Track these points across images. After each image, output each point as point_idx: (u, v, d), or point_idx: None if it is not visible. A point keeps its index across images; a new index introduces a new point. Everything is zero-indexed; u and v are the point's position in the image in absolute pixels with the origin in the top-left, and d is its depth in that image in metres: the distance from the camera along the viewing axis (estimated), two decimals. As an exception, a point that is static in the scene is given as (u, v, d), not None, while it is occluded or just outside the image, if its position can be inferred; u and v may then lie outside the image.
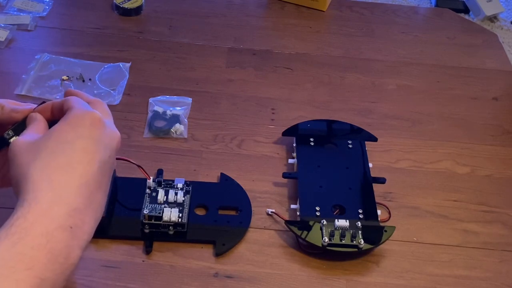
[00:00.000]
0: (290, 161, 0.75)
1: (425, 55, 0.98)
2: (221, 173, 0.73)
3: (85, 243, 0.42)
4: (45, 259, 0.38)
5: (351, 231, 0.64)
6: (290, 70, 0.92)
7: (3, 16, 0.96)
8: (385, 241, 0.65)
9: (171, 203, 0.65)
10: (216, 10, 1.04)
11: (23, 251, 0.38)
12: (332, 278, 0.63)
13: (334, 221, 0.65)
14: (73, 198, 0.42)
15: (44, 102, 0.51)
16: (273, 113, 0.84)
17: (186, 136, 0.78)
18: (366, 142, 0.77)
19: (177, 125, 0.78)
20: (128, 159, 0.65)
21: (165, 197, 0.66)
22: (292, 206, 0.69)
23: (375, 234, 0.65)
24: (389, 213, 0.71)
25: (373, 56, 0.97)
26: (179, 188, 0.67)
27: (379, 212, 0.68)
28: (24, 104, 0.51)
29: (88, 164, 0.43)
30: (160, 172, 0.72)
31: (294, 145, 0.75)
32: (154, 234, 0.64)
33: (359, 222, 0.65)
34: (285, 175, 0.71)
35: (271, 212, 0.69)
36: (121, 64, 0.89)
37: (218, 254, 0.64)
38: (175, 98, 0.84)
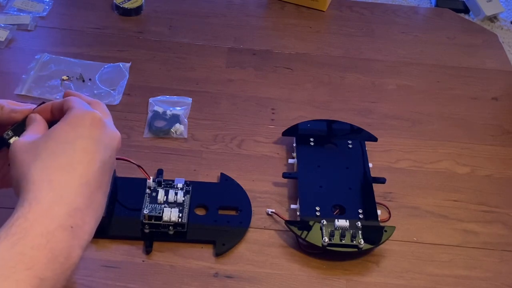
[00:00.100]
0: (290, 161, 0.75)
1: (425, 55, 0.98)
2: (221, 173, 0.73)
3: (85, 243, 0.42)
4: (45, 259, 0.38)
5: (351, 231, 0.64)
6: (290, 70, 0.92)
7: (3, 16, 0.96)
8: (385, 241, 0.65)
9: (171, 203, 0.65)
10: (216, 10, 1.04)
11: (23, 251, 0.38)
12: (332, 278, 0.63)
13: (334, 221, 0.65)
14: (73, 198, 0.42)
15: (43, 102, 0.51)
16: (273, 113, 0.84)
17: (186, 136, 0.78)
18: (366, 142, 0.77)
19: (177, 125, 0.78)
20: (128, 159, 0.65)
21: (165, 197, 0.66)
22: (292, 206, 0.69)
23: (375, 234, 0.65)
24: (389, 213, 0.71)
25: (373, 56, 0.97)
26: (179, 188, 0.67)
27: (379, 212, 0.68)
28: (23, 105, 0.51)
29: (89, 164, 0.43)
30: (160, 172, 0.72)
31: (294, 145, 0.75)
32: (154, 234, 0.64)
33: (359, 222, 0.65)
34: (285, 175, 0.71)
35: (271, 212, 0.69)
36: (121, 64, 0.89)
37: (218, 254, 0.64)
38: (175, 98, 0.84)
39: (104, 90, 0.84)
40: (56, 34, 0.96)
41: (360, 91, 0.89)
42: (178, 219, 0.64)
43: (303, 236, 0.64)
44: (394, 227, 0.66)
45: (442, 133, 0.83)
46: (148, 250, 0.63)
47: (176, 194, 0.66)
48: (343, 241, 0.63)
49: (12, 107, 0.50)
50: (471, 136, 0.83)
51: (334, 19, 1.05)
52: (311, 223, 0.65)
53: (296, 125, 0.79)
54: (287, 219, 0.68)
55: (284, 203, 0.71)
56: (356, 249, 0.64)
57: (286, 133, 0.78)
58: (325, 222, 0.65)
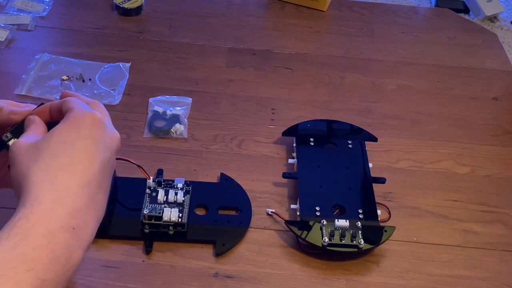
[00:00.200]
0: (290, 161, 0.75)
1: (425, 55, 0.98)
2: (221, 173, 0.73)
3: (86, 244, 0.42)
4: (47, 260, 0.38)
5: (351, 231, 0.64)
6: (290, 70, 0.92)
7: (3, 16, 0.96)
8: (385, 241, 0.65)
9: (171, 203, 0.65)
10: (216, 10, 1.04)
11: (25, 252, 0.38)
12: (332, 278, 0.63)
13: (334, 221, 0.65)
14: (75, 199, 0.42)
15: (42, 103, 0.50)
16: (273, 113, 0.84)
17: (186, 136, 0.78)
18: (366, 142, 0.77)
19: (177, 125, 0.78)
20: (128, 159, 0.65)
21: (165, 197, 0.66)
22: (292, 206, 0.69)
23: (375, 234, 0.65)
24: (389, 213, 0.71)
25: (373, 56, 0.97)
26: (179, 188, 0.67)
27: (379, 212, 0.68)
28: (23, 105, 0.51)
29: (89, 164, 0.43)
30: (160, 172, 0.72)
31: (294, 145, 0.75)
32: (154, 234, 0.64)
33: (359, 222, 0.65)
34: (285, 175, 0.71)
35: (271, 212, 0.69)
36: (121, 64, 0.89)
37: (218, 254, 0.64)
38: (175, 98, 0.84)
39: (104, 90, 0.84)
40: (56, 34, 0.96)
41: (360, 91, 0.90)
42: (178, 219, 0.64)
43: (303, 236, 0.64)
44: (394, 227, 0.66)
45: (442, 133, 0.83)
46: (148, 250, 0.63)
47: (176, 194, 0.66)
48: (343, 241, 0.63)
49: (12, 108, 0.50)
50: (471, 136, 0.83)
51: (334, 19, 1.06)
52: (311, 223, 0.65)
53: (296, 125, 0.79)
54: (287, 219, 0.68)
55: (284, 203, 0.71)
56: (356, 249, 0.64)
57: (286, 133, 0.78)
58: (325, 222, 0.65)
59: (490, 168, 0.78)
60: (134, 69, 0.89)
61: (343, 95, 0.88)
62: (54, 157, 0.43)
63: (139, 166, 0.66)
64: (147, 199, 0.66)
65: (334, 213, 0.67)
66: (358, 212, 0.67)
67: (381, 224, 0.67)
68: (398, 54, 0.98)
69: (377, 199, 0.69)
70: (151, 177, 0.68)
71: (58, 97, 0.82)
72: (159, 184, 0.68)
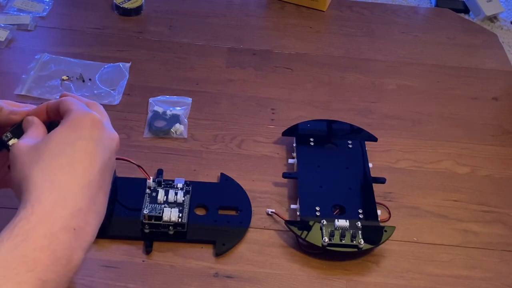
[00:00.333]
0: (290, 161, 0.75)
1: (425, 55, 0.98)
2: (221, 173, 0.73)
3: (87, 245, 0.42)
4: (48, 261, 0.38)
5: (351, 231, 0.64)
6: (290, 70, 0.92)
7: (3, 16, 0.96)
8: (385, 241, 0.65)
9: (171, 203, 0.65)
10: (216, 10, 1.04)
11: (26, 253, 0.38)
12: (332, 278, 0.63)
13: (334, 221, 0.65)
14: (75, 199, 0.41)
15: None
16: (273, 113, 0.84)
17: (186, 136, 0.78)
18: (366, 142, 0.77)
19: (177, 125, 0.78)
20: (128, 159, 0.65)
21: (165, 197, 0.66)
22: (292, 206, 0.69)
23: (375, 234, 0.65)
24: (389, 213, 0.71)
25: (373, 56, 0.97)
26: (179, 188, 0.67)
27: (379, 212, 0.68)
28: (22, 106, 0.51)
29: (90, 164, 0.43)
30: (160, 172, 0.72)
31: (294, 145, 0.75)
32: (154, 234, 0.64)
33: (359, 222, 0.65)
34: (285, 175, 0.71)
35: (271, 212, 0.69)
36: (121, 64, 0.89)
37: (218, 254, 0.64)
38: (175, 98, 0.84)
39: (104, 90, 0.84)
40: (56, 34, 0.96)
41: (360, 91, 0.90)
42: (178, 219, 0.64)
43: (303, 236, 0.64)
44: (394, 227, 0.66)
45: (442, 133, 0.83)
46: (148, 250, 0.63)
47: (176, 194, 0.66)
48: (343, 241, 0.63)
49: (11, 108, 0.50)
50: (471, 136, 0.83)
51: (334, 19, 1.06)
52: (311, 223, 0.65)
53: (296, 125, 0.79)
54: (287, 219, 0.68)
55: (284, 203, 0.71)
56: (356, 249, 0.64)
57: (286, 133, 0.78)
58: (325, 222, 0.65)
59: (490, 168, 0.78)
60: (134, 69, 0.89)
61: (343, 95, 0.88)
62: (54, 157, 0.43)
63: (139, 166, 0.66)
64: (147, 199, 0.66)
65: (334, 213, 0.67)
66: (358, 212, 0.67)
67: (381, 224, 0.67)
68: (398, 54, 0.98)
69: (377, 199, 0.69)
70: (151, 177, 0.68)
71: (58, 97, 0.82)
72: (159, 184, 0.68)
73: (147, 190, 0.67)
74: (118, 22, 0.99)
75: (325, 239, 0.63)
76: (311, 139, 0.76)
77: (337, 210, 0.68)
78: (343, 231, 0.64)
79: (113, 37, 0.95)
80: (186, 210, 0.65)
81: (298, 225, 0.65)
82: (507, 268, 0.66)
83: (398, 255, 0.66)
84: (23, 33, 0.94)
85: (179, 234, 0.65)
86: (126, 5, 0.99)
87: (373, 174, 0.73)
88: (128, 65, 0.89)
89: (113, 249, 0.64)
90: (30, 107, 0.50)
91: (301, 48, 0.97)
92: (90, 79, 0.86)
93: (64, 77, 0.85)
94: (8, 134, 0.48)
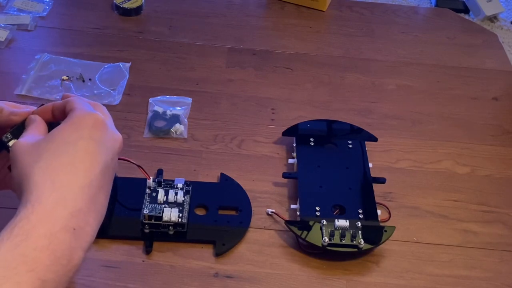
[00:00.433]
0: (290, 161, 0.75)
1: (425, 55, 0.98)
2: (221, 173, 0.73)
3: (87, 245, 0.42)
4: (48, 261, 0.38)
5: (351, 231, 0.64)
6: (290, 70, 0.92)
7: (3, 16, 0.96)
8: (385, 241, 0.65)
9: (171, 203, 0.65)
10: (216, 10, 1.04)
11: (26, 252, 0.38)
12: (332, 278, 0.63)
13: (334, 221, 0.65)
14: (76, 199, 0.41)
15: (42, 105, 0.50)
16: (273, 113, 0.84)
17: (186, 136, 0.78)
18: (366, 142, 0.77)
19: (177, 125, 0.78)
20: (128, 159, 0.64)
21: (165, 197, 0.66)
22: (292, 206, 0.69)
23: (375, 234, 0.65)
24: (389, 213, 0.71)
25: (373, 56, 0.97)
26: (179, 188, 0.67)
27: (379, 212, 0.68)
28: (23, 107, 0.51)
29: (91, 164, 0.43)
30: (160, 172, 0.72)
31: (294, 145, 0.75)
32: (154, 234, 0.64)
33: (359, 222, 0.65)
34: (285, 175, 0.71)
35: (271, 212, 0.69)
36: (121, 64, 0.89)
37: (218, 254, 0.64)
38: (175, 98, 0.84)
39: (104, 90, 0.84)
40: (56, 34, 0.96)
41: (360, 91, 0.90)
42: (178, 219, 0.64)
43: (303, 236, 0.64)
44: (394, 227, 0.66)
45: (442, 133, 0.83)
46: (148, 250, 0.63)
47: (176, 194, 0.66)
48: (343, 241, 0.63)
49: (12, 109, 0.49)
50: (471, 136, 0.83)
51: (334, 19, 1.06)
52: (311, 223, 0.65)
53: (296, 125, 0.79)
54: (287, 219, 0.68)
55: (284, 203, 0.71)
56: (356, 249, 0.64)
57: (286, 133, 0.78)
58: (325, 222, 0.65)
59: (490, 168, 0.78)
60: (134, 69, 0.89)
61: (343, 95, 0.88)
62: (55, 157, 0.43)
63: (139, 166, 0.66)
64: (147, 199, 0.66)
65: (334, 213, 0.67)
66: (358, 212, 0.67)
67: (381, 224, 0.67)
68: (398, 54, 0.98)
69: (377, 199, 0.69)
70: (151, 177, 0.68)
71: (58, 97, 0.82)
72: (159, 184, 0.68)
73: (147, 190, 0.67)
74: (118, 22, 0.99)
75: (325, 239, 0.63)
76: (311, 139, 0.76)
77: (337, 210, 0.68)
78: (343, 231, 0.64)
79: (113, 37, 0.95)
80: (186, 210, 0.65)
81: (298, 225, 0.65)
82: (507, 268, 0.66)
83: (398, 255, 0.66)
84: (23, 33, 0.94)
85: (179, 234, 0.65)
86: (126, 5, 0.99)
87: (373, 174, 0.73)
88: (128, 65, 0.89)
89: (113, 249, 0.64)
90: (31, 108, 0.50)
91: (301, 48, 0.97)
92: (90, 79, 0.86)
93: (64, 77, 0.85)
94: (8, 135, 0.48)
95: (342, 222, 0.65)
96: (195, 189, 0.68)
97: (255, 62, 0.93)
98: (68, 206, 0.41)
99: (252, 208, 0.69)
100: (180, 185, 0.68)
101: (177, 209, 0.64)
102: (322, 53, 0.97)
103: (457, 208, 0.72)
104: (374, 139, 0.77)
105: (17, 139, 0.47)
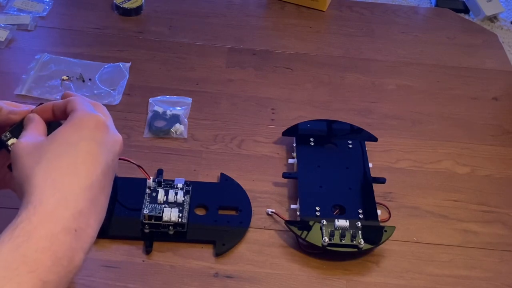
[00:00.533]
0: (290, 161, 0.75)
1: (425, 55, 0.98)
2: (221, 173, 0.73)
3: (88, 247, 0.42)
4: (49, 262, 0.38)
5: (351, 231, 0.64)
6: (290, 70, 0.92)
7: (3, 16, 0.96)
8: (385, 241, 0.65)
9: (171, 203, 0.65)
10: (216, 10, 1.04)
11: (27, 253, 0.38)
12: (332, 278, 0.63)
13: (334, 221, 0.65)
14: (77, 200, 0.41)
15: (42, 103, 0.50)
16: (273, 113, 0.84)
17: (186, 136, 0.78)
18: (366, 142, 0.77)
19: (177, 125, 0.78)
20: (128, 159, 0.64)
21: (165, 197, 0.66)
22: (292, 206, 0.69)
23: (375, 234, 0.65)
24: (389, 213, 0.71)
25: (373, 56, 0.97)
26: (179, 188, 0.67)
27: (379, 212, 0.68)
28: (22, 106, 0.50)
29: (92, 166, 0.43)
30: (160, 172, 0.72)
31: (294, 145, 0.75)
32: (154, 234, 0.64)
33: (359, 222, 0.65)
34: (285, 175, 0.71)
35: (271, 212, 0.69)
36: (121, 64, 0.89)
37: (218, 254, 0.64)
38: (175, 98, 0.84)
39: (104, 90, 0.84)
40: (56, 34, 0.96)
41: (360, 91, 0.90)
42: (178, 219, 0.64)
43: (303, 236, 0.64)
44: (394, 227, 0.66)
45: (442, 133, 0.83)
46: (148, 250, 0.63)
47: (176, 194, 0.66)
48: (343, 241, 0.63)
49: (11, 108, 0.49)
50: (471, 136, 0.83)
51: (334, 19, 1.06)
52: (311, 223, 0.65)
53: (296, 125, 0.79)
54: (287, 219, 0.68)
55: (284, 203, 0.71)
56: (356, 249, 0.64)
57: (286, 133, 0.78)
58: (325, 222, 0.65)
59: (490, 168, 0.78)
60: (134, 69, 0.89)
61: (343, 95, 0.88)
62: (56, 158, 0.43)
63: (139, 166, 0.66)
64: (147, 199, 0.66)
65: (334, 213, 0.67)
66: (358, 212, 0.67)
67: (381, 224, 0.67)
68: (398, 54, 0.98)
69: (377, 199, 0.69)
70: (151, 177, 0.68)
71: (58, 97, 0.82)
72: (159, 184, 0.68)
73: (147, 190, 0.67)
74: (118, 22, 0.99)
75: (325, 239, 0.63)
76: (311, 139, 0.76)
77: (337, 210, 0.68)
78: (343, 231, 0.64)
79: (113, 37, 0.95)
80: (186, 210, 0.65)
81: (298, 225, 0.65)
82: (507, 268, 0.66)
83: (398, 255, 0.66)
84: (23, 33, 0.94)
85: (179, 234, 0.65)
86: (126, 5, 0.99)
87: (373, 174, 0.73)
88: (128, 65, 0.89)
89: (113, 249, 0.64)
90: (30, 107, 0.50)
91: (301, 48, 0.97)
92: (90, 79, 0.86)
93: (64, 77, 0.85)
94: (7, 134, 0.48)
95: (342, 222, 0.65)
96: (195, 189, 0.68)
97: (255, 62, 0.93)
98: (69, 207, 0.41)
99: (252, 208, 0.69)
100: (180, 185, 0.68)
101: (177, 209, 0.64)
102: (322, 53, 0.97)
103: (457, 208, 0.72)
104: (374, 139, 0.77)
105: (17, 138, 0.47)
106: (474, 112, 0.87)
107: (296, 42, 0.99)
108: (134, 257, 0.63)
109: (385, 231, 0.65)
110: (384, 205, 0.71)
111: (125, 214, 0.66)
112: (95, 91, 0.84)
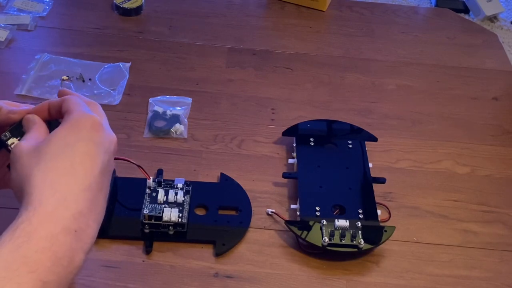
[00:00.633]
0: (290, 161, 0.75)
1: (425, 55, 0.98)
2: (221, 173, 0.73)
3: (88, 247, 0.42)
4: (49, 262, 0.38)
5: (351, 231, 0.64)
6: (290, 70, 0.92)
7: (3, 16, 0.96)
8: (385, 241, 0.65)
9: (171, 203, 0.65)
10: (216, 10, 1.04)
11: (27, 254, 0.38)
12: (332, 278, 0.63)
13: (334, 221, 0.65)
14: (77, 201, 0.41)
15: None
16: (273, 113, 0.84)
17: (186, 136, 0.78)
18: (366, 142, 0.77)
19: (177, 125, 0.78)
20: (128, 159, 0.65)
21: (165, 197, 0.66)
22: (292, 206, 0.69)
23: (375, 234, 0.65)
24: (389, 213, 0.71)
25: (373, 56, 0.97)
26: (179, 188, 0.67)
27: (379, 212, 0.68)
28: (21, 105, 0.51)
29: (90, 166, 0.43)
30: (160, 172, 0.72)
31: (294, 145, 0.75)
32: (154, 234, 0.64)
33: (359, 222, 0.65)
34: (285, 175, 0.71)
35: (271, 212, 0.69)
36: (121, 64, 0.89)
37: (218, 254, 0.64)
38: (175, 98, 0.84)
39: (104, 90, 0.84)
40: (56, 34, 0.96)
41: (360, 91, 0.90)
42: (178, 219, 0.64)
43: (303, 236, 0.64)
44: (394, 227, 0.66)
45: (442, 133, 0.83)
46: (148, 250, 0.63)
47: (176, 194, 0.66)
48: (343, 241, 0.63)
49: (10, 108, 0.49)
50: (471, 136, 0.83)
51: (334, 19, 1.06)
52: (311, 223, 0.65)
53: (296, 125, 0.79)
54: (287, 219, 0.68)
55: (284, 203, 0.71)
56: (356, 249, 0.64)
57: (286, 133, 0.78)
58: (325, 222, 0.65)
59: (490, 168, 0.78)
60: (134, 69, 0.89)
61: (343, 95, 0.88)
62: (54, 159, 0.43)
63: (139, 166, 0.66)
64: (147, 199, 0.66)
65: (334, 213, 0.67)
66: (358, 212, 0.67)
67: (381, 224, 0.67)
68: (398, 54, 0.98)
69: (377, 199, 0.69)
70: (151, 177, 0.68)
71: (57, 97, 0.82)
72: (159, 184, 0.68)
73: (147, 190, 0.67)
74: (118, 22, 0.99)
75: (325, 239, 0.63)
76: (311, 139, 0.76)
77: (337, 210, 0.68)
78: (343, 231, 0.64)
79: (113, 37, 0.95)
80: (186, 210, 0.65)
81: (298, 225, 0.65)
82: (507, 268, 0.66)
83: (398, 255, 0.66)
84: (23, 33, 0.94)
85: (179, 234, 0.65)
86: (126, 5, 0.99)
87: (373, 174, 0.73)
88: (128, 65, 0.89)
89: (113, 249, 0.64)
90: (29, 107, 0.50)
91: (301, 48, 0.97)
92: (90, 79, 0.86)
93: (64, 77, 0.85)
94: (7, 134, 0.48)
95: (342, 222, 0.65)
96: (195, 189, 0.68)
97: (255, 62, 0.93)
98: (69, 208, 0.41)
99: (252, 208, 0.69)
100: (180, 185, 0.68)
101: (177, 209, 0.64)
102: (322, 53, 0.97)
103: (457, 208, 0.72)
104: (374, 139, 0.77)
105: (16, 137, 0.47)
106: (474, 112, 0.87)
107: (296, 42, 0.99)
108: (134, 257, 0.63)
109: (385, 231, 0.65)
110: (384, 205, 0.71)
111: (125, 214, 0.66)
112: (95, 91, 0.84)
